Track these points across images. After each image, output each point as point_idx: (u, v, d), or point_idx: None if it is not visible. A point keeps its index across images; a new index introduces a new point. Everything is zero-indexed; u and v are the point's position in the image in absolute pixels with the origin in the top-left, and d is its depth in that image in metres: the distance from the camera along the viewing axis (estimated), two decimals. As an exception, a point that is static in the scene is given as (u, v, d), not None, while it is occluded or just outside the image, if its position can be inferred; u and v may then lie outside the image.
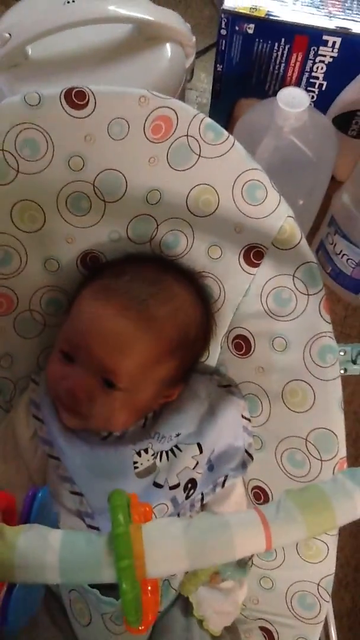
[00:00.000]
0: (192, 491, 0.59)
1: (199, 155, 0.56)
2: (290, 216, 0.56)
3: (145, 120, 0.54)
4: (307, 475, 0.59)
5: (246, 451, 0.61)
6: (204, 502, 0.59)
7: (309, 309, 0.56)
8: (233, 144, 0.55)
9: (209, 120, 0.55)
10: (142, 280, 0.59)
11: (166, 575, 0.32)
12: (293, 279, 0.57)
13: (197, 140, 0.55)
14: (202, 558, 0.31)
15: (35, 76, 0.82)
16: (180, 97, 0.89)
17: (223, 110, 1.00)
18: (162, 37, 0.84)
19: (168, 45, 0.85)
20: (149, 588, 0.32)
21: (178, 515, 0.57)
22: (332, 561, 0.60)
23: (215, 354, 0.65)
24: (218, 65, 0.94)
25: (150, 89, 0.79)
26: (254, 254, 0.59)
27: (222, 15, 0.86)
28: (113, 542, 0.30)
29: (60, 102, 0.53)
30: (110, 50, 0.83)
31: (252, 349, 0.61)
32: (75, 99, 0.53)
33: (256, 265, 0.59)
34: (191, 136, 0.55)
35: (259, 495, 0.64)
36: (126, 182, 0.57)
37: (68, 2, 0.84)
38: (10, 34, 0.80)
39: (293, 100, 0.76)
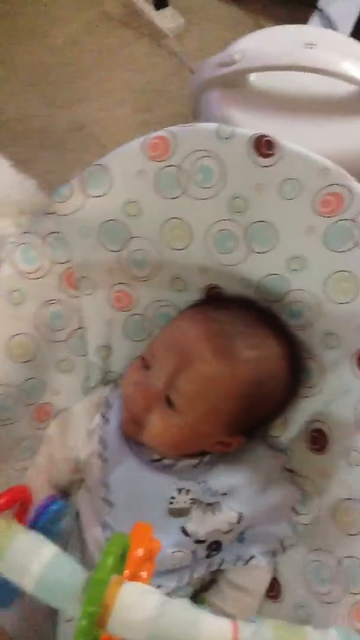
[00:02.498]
0: (214, 552, 0.58)
1: (357, 244, 0.54)
2: None
3: (319, 191, 0.54)
4: (324, 595, 0.55)
5: (281, 542, 0.59)
6: (222, 567, 0.58)
7: None
8: None
9: (381, 214, 0.53)
10: (240, 319, 0.59)
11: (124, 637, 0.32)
12: None
13: (361, 230, 0.54)
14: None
15: (247, 103, 0.84)
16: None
17: None
18: (383, 108, 0.82)
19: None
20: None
21: (192, 571, 0.57)
22: None
23: (290, 436, 0.63)
24: None
25: (348, 155, 0.78)
26: (369, 361, 0.56)
27: None
28: (90, 584, 0.31)
29: (249, 144, 0.54)
30: (326, 103, 0.82)
31: (326, 450, 0.59)
32: (264, 146, 0.54)
33: (367, 374, 0.56)
34: (357, 223, 0.54)
35: (272, 588, 0.61)
36: (277, 240, 0.57)
37: (309, 45, 0.85)
38: (241, 56, 0.83)
39: None
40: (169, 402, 0.56)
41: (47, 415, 0.64)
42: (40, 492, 0.60)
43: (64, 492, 0.64)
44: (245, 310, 0.60)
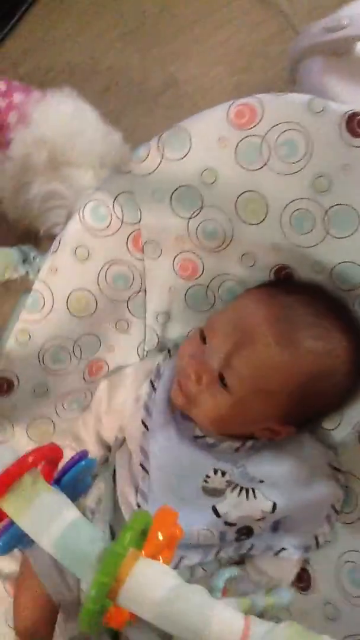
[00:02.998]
0: (244, 537, 0.57)
1: None
2: None
3: None
4: (356, 598, 0.54)
5: (316, 538, 0.58)
6: (251, 553, 0.58)
7: None
8: None
9: None
10: (309, 306, 0.56)
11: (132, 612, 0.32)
12: None
13: None
14: (167, 623, 0.30)
15: (351, 74, 0.78)
16: None
17: None
18: None
19: None
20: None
21: (219, 549, 0.57)
22: None
23: (343, 431, 0.60)
24: None
25: None
26: None
27: None
28: (106, 555, 0.31)
29: (341, 121, 0.51)
30: None
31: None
32: (358, 125, 0.51)
33: None
34: None
35: (301, 579, 0.60)
36: (358, 226, 0.54)
37: None
38: (350, 21, 0.77)
39: None
40: (221, 380, 0.55)
41: (99, 370, 0.65)
42: (89, 447, 0.64)
43: (110, 449, 0.65)
44: (316, 298, 0.57)
